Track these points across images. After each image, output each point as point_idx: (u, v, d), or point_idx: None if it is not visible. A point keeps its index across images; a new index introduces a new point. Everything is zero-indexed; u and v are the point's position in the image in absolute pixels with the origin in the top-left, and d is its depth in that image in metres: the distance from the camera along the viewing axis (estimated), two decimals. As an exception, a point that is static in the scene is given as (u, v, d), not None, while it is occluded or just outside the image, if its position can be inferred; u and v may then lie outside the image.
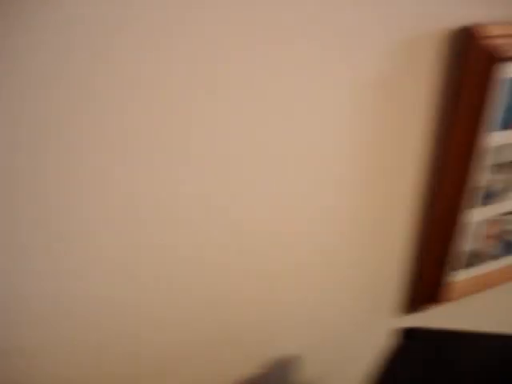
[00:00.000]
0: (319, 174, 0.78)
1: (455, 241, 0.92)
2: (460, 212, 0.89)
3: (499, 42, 0.80)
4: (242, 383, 0.88)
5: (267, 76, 0.66)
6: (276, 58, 0.65)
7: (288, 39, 0.65)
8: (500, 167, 0.91)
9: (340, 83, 0.72)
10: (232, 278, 0.78)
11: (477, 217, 0.93)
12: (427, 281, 0.95)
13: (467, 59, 0.80)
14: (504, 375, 0.59)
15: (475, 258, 0.99)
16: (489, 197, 0.93)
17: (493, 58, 0.79)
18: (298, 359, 0.94)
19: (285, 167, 0.74)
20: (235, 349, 0.85)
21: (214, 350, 0.83)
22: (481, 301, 1.06)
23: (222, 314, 0.80)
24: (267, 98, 0.67)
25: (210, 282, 0.76)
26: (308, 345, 0.94)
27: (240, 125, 0.67)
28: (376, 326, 0.99)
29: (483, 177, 0.90)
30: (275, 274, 0.82)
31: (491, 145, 0.87)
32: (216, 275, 0.76)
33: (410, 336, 0.77)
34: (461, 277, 0.99)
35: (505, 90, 0.84)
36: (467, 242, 0.96)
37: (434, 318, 1.04)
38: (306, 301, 0.89)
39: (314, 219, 0.81)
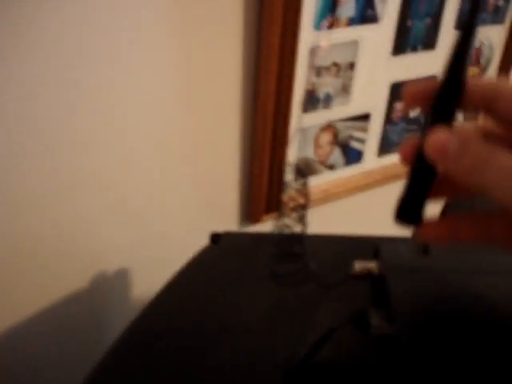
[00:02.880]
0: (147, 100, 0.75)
1: (285, 148, 0.90)
2: (284, 118, 0.87)
3: None
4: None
5: None
6: None
7: None
8: (325, 70, 0.88)
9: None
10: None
11: (305, 122, 0.91)
12: (263, 190, 0.93)
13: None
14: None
15: (310, 167, 0.97)
16: (316, 102, 0.90)
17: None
18: (129, 273, 0.91)
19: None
20: (64, 260, 0.82)
21: (42, 261, 0.79)
22: (325, 212, 1.05)
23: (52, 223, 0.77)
24: None
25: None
26: (139, 262, 0.91)
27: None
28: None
29: (306, 80, 0.87)
30: (113, 185, 0.80)
31: (310, 46, 0.84)
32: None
33: (216, 240, 0.75)
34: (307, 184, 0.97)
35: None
36: (300, 150, 0.94)
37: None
38: (143, 213, 0.86)
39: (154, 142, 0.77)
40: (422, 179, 0.36)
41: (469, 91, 0.35)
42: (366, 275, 0.52)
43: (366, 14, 0.88)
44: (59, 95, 0.70)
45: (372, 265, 0.52)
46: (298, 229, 0.51)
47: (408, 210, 0.37)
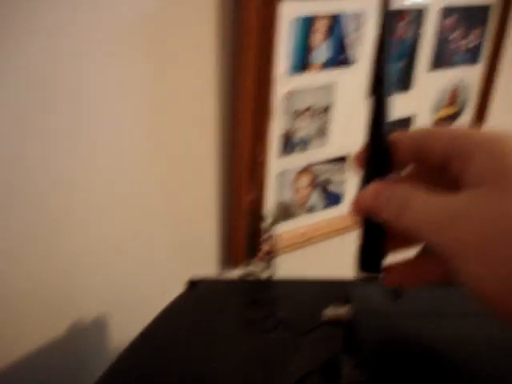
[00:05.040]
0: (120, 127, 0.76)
1: (262, 193, 0.89)
2: (260, 162, 0.87)
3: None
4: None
5: None
6: None
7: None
8: (301, 114, 0.89)
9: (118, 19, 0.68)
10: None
11: (282, 167, 0.91)
12: (241, 235, 0.93)
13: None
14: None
15: (289, 210, 0.97)
16: (293, 145, 0.91)
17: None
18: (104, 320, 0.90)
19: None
20: (41, 309, 0.81)
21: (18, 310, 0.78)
22: (304, 255, 1.04)
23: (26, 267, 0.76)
24: None
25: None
26: (116, 310, 0.90)
27: None
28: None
29: (282, 125, 0.88)
30: (89, 233, 0.80)
31: (285, 90, 0.85)
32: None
33: (192, 287, 0.75)
34: (277, 230, 0.97)
35: (292, 32, 0.81)
36: (278, 193, 0.93)
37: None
38: (120, 260, 0.86)
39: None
40: (374, 233, 0.38)
41: (398, 147, 0.36)
42: (338, 321, 0.51)
43: (340, 58, 0.89)
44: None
45: (343, 311, 0.51)
46: (266, 275, 0.50)
47: (368, 262, 0.39)
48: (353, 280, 0.61)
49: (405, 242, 0.38)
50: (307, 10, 0.82)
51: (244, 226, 0.92)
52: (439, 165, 0.36)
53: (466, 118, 1.16)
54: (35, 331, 0.83)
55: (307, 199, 0.99)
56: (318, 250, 1.06)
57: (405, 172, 0.40)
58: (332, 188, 1.01)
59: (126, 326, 0.87)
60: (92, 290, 0.86)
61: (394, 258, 0.39)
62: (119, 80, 0.74)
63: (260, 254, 0.50)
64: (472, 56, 1.10)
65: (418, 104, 1.05)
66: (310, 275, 0.68)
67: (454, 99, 1.11)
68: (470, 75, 1.11)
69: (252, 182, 0.88)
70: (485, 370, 0.45)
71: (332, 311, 0.51)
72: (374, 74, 0.38)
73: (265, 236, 0.51)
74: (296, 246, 1.01)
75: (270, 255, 0.50)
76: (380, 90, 0.38)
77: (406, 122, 1.06)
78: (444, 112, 1.11)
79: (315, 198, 0.99)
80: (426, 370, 0.45)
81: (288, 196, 0.96)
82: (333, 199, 1.03)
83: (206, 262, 0.97)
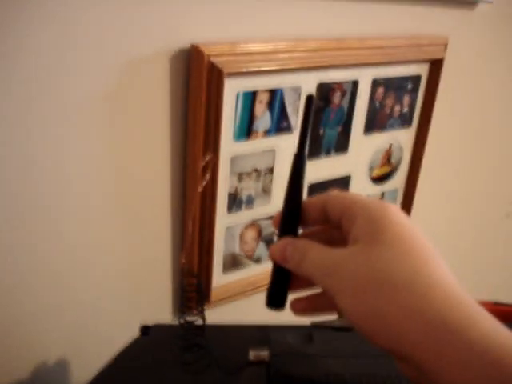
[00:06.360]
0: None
1: (212, 245, 0.99)
2: (209, 218, 0.97)
3: (225, 59, 0.88)
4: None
5: None
6: None
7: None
8: (246, 175, 0.99)
9: (70, 98, 0.78)
10: None
11: (230, 222, 1.01)
12: (189, 283, 1.01)
13: (197, 76, 0.87)
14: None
15: (236, 262, 1.06)
16: (240, 203, 1.01)
17: (221, 74, 0.87)
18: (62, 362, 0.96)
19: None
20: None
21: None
22: (247, 304, 1.13)
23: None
24: None
25: None
26: (76, 352, 0.97)
27: None
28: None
29: (229, 185, 0.98)
30: (47, 279, 0.87)
31: (232, 155, 0.96)
32: None
33: (145, 332, 0.82)
34: (225, 280, 1.06)
35: (236, 104, 0.92)
36: (225, 247, 1.03)
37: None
38: (78, 306, 0.93)
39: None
40: (280, 277, 0.49)
41: (308, 208, 0.48)
42: (261, 361, 0.61)
43: (281, 126, 1.01)
44: None
45: (264, 353, 0.61)
46: (199, 322, 0.60)
47: (274, 299, 0.49)
48: (276, 325, 0.71)
49: (308, 283, 0.49)
50: (251, 84, 0.94)
51: (196, 272, 1.01)
52: (336, 225, 0.47)
53: (400, 176, 1.28)
54: None
55: (254, 251, 1.09)
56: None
57: (311, 229, 0.52)
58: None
59: (86, 367, 0.94)
60: (54, 329, 0.93)
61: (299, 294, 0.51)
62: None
63: (193, 304, 0.60)
64: (404, 120, 1.22)
65: (354, 164, 1.17)
66: (256, 320, 0.77)
67: (388, 158, 1.23)
68: (403, 137, 1.24)
69: (202, 234, 0.98)
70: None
71: (255, 353, 0.61)
72: (297, 146, 0.48)
73: (196, 289, 0.61)
74: (246, 294, 1.11)
75: (201, 305, 0.59)
76: (298, 159, 0.48)
77: (343, 181, 1.17)
78: (379, 171, 1.23)
79: (261, 249, 1.09)
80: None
81: (236, 247, 1.05)
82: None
83: (163, 308, 1.05)
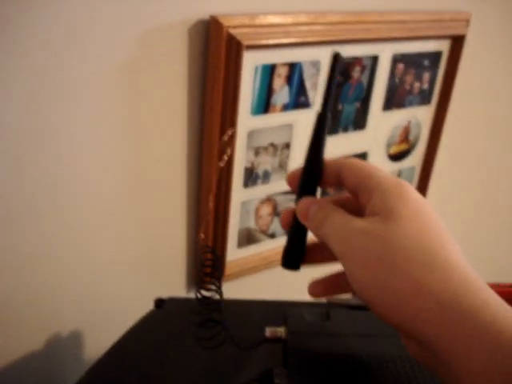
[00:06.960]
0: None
1: (227, 220, 0.99)
2: (225, 192, 0.96)
3: (245, 31, 0.87)
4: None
5: None
6: None
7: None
8: (263, 150, 0.98)
9: (85, 70, 0.77)
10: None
11: (246, 197, 1.01)
12: (206, 258, 1.01)
13: (215, 48, 0.86)
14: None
15: (251, 237, 1.06)
16: (256, 178, 1.00)
17: (240, 46, 0.85)
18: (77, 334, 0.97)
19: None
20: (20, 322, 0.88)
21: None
22: (261, 279, 1.13)
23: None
24: None
25: None
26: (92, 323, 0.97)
27: None
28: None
29: (246, 160, 0.97)
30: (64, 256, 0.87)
31: (249, 129, 0.94)
32: None
33: (160, 305, 0.83)
34: (239, 254, 1.06)
35: (255, 77, 0.91)
36: (240, 221, 1.03)
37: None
38: (95, 280, 0.94)
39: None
40: (297, 237, 0.49)
41: (325, 171, 0.48)
42: (277, 339, 0.61)
43: (299, 101, 0.99)
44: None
45: (281, 330, 0.61)
46: (216, 297, 0.59)
47: (289, 260, 0.50)
48: (292, 302, 0.70)
49: (322, 257, 0.50)
50: (269, 58, 0.92)
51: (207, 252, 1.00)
52: (351, 192, 0.48)
53: (418, 153, 1.26)
54: (16, 342, 0.90)
55: (269, 226, 1.08)
56: (280, 273, 1.15)
57: (334, 195, 0.52)
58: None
59: (101, 339, 0.95)
60: (71, 302, 0.93)
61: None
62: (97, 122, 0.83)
63: (210, 279, 0.60)
64: (424, 97, 1.20)
65: (372, 141, 1.16)
66: (269, 296, 0.77)
67: (406, 136, 1.22)
68: (421, 115, 1.22)
69: (218, 208, 0.98)
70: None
71: (271, 330, 0.61)
72: (321, 105, 0.47)
73: (213, 264, 0.60)
74: (259, 269, 1.10)
75: (218, 280, 0.59)
76: (321, 117, 0.47)
77: (360, 158, 1.16)
78: (396, 148, 1.21)
79: (276, 225, 1.09)
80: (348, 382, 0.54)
81: (251, 222, 1.05)
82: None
83: (177, 282, 1.06)
